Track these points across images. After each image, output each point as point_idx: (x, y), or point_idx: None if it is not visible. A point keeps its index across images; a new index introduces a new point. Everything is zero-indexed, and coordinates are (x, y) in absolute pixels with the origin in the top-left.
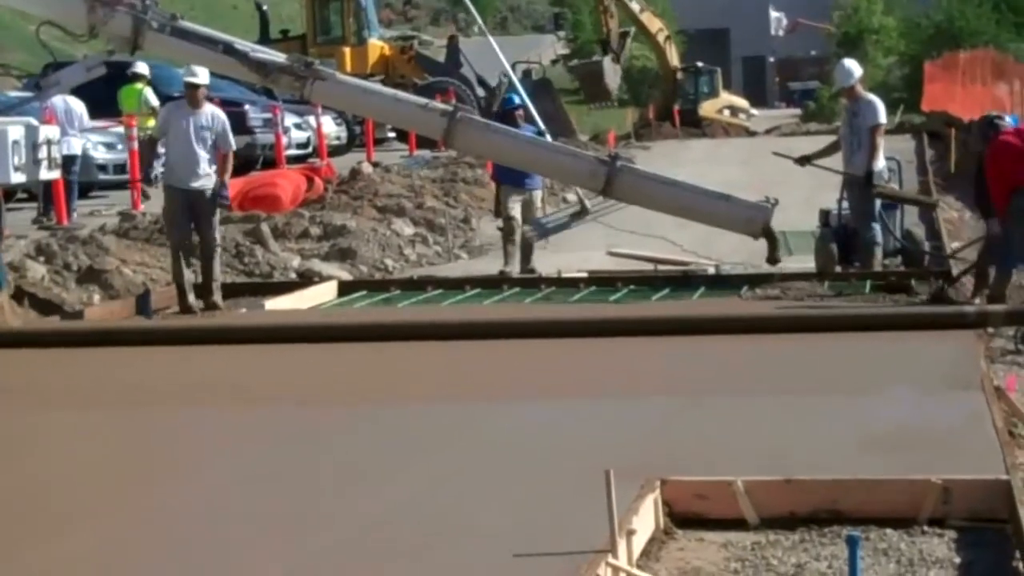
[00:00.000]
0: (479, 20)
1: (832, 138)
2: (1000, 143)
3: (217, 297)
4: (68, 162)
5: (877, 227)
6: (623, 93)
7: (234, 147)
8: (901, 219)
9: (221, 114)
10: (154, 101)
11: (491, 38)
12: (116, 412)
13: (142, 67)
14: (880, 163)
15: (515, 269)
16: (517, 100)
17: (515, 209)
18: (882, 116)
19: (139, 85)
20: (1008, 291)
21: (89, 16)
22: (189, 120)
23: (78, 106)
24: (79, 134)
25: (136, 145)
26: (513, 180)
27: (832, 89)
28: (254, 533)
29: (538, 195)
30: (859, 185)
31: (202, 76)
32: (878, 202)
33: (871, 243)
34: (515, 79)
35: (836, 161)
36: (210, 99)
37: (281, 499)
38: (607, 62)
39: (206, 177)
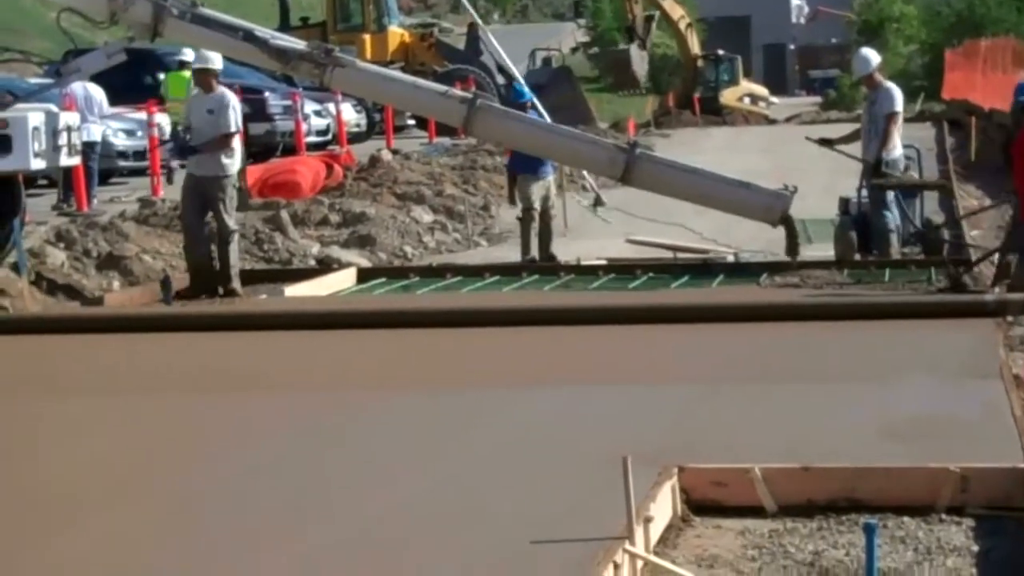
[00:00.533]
0: (470, 9)
1: (856, 125)
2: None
3: (236, 284)
4: (88, 148)
5: (889, 215)
6: (645, 80)
7: (233, 128)
8: (921, 207)
9: (228, 96)
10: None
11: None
12: (135, 399)
13: (190, 54)
14: (896, 151)
15: (535, 257)
16: (527, 94)
17: (535, 199)
18: (898, 104)
19: (186, 73)
20: None
21: (110, 3)
22: (199, 106)
23: (98, 93)
24: (99, 120)
25: (156, 132)
26: (531, 169)
27: (852, 78)
28: (274, 520)
29: (552, 182)
30: (870, 171)
31: (205, 61)
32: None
33: (884, 230)
34: (516, 74)
35: (858, 148)
36: (230, 86)
37: (299, 487)
38: (634, 49)
39: (214, 163)
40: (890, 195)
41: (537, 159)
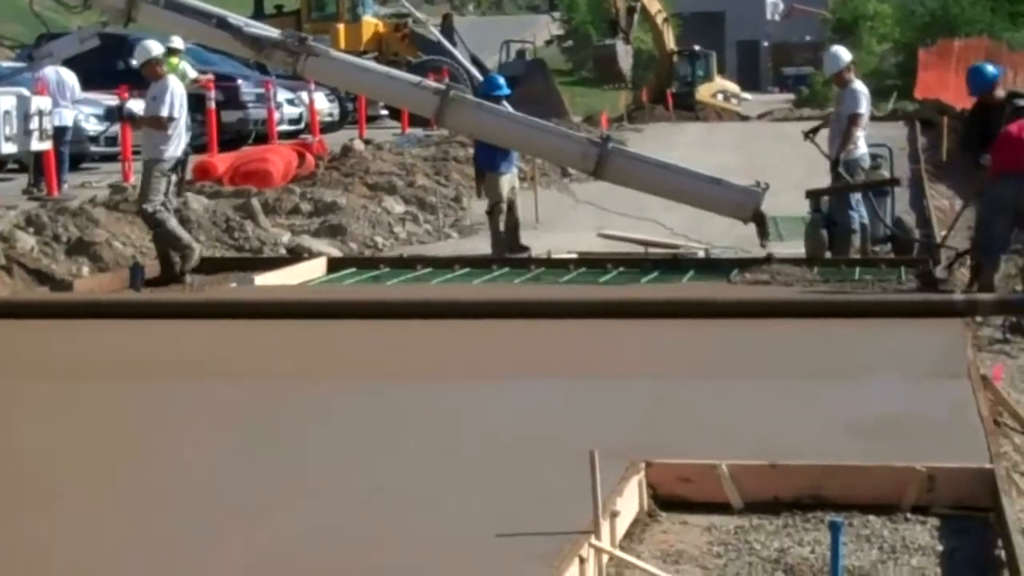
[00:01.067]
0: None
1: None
2: (1005, 129)
3: (181, 271)
4: (59, 133)
5: (854, 214)
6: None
7: (164, 112)
8: (892, 206)
9: (169, 83)
10: (192, 73)
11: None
12: (103, 385)
13: (178, 41)
14: (858, 151)
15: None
16: (503, 85)
17: (503, 194)
18: (862, 107)
19: (175, 59)
20: (997, 281)
21: None
22: (148, 94)
23: (70, 77)
24: (71, 105)
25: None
26: (495, 166)
27: (823, 75)
28: (235, 510)
29: (515, 176)
30: (830, 168)
31: (146, 52)
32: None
33: (847, 229)
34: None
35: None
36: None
37: (265, 476)
38: (620, 44)
39: (149, 147)
40: (856, 194)
41: (501, 155)
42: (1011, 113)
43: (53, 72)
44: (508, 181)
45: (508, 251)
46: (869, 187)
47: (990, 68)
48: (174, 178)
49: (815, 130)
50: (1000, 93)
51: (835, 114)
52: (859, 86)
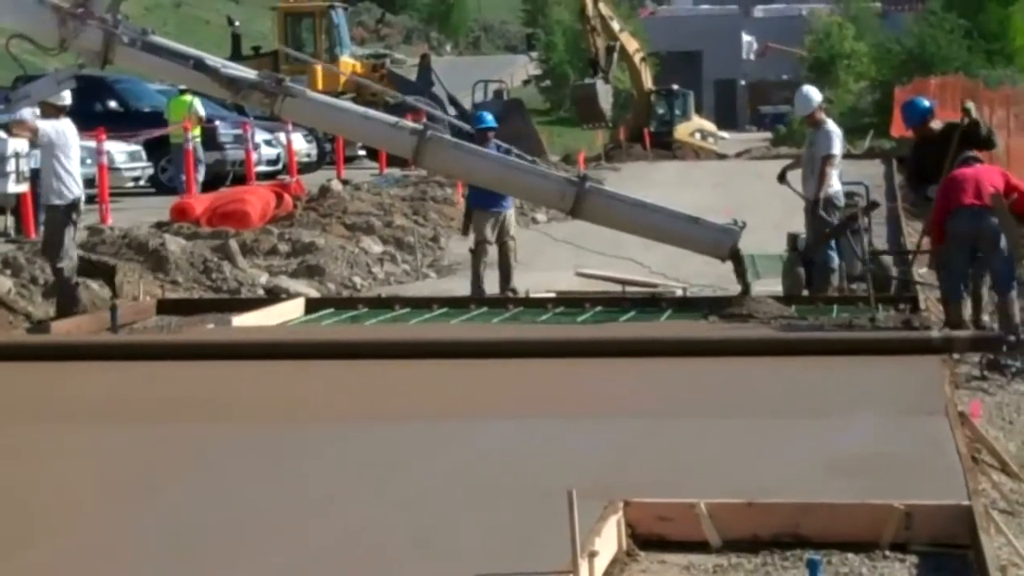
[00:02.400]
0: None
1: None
2: (951, 175)
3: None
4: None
5: (833, 253)
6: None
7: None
8: (869, 243)
9: (47, 130)
10: (202, 111)
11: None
12: (80, 427)
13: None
14: (832, 189)
15: (485, 291)
16: (490, 120)
17: (488, 232)
18: (835, 147)
19: (187, 97)
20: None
21: (60, 29)
22: None
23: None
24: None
25: (106, 160)
26: (485, 203)
27: (795, 116)
28: (212, 552)
29: (511, 216)
30: (809, 210)
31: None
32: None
33: (826, 268)
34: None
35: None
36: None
37: (244, 516)
38: (600, 83)
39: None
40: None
41: (494, 193)
42: (958, 145)
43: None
44: (497, 220)
45: (501, 290)
46: (854, 219)
47: (924, 101)
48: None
49: (783, 173)
50: (936, 125)
51: (808, 155)
52: (831, 126)
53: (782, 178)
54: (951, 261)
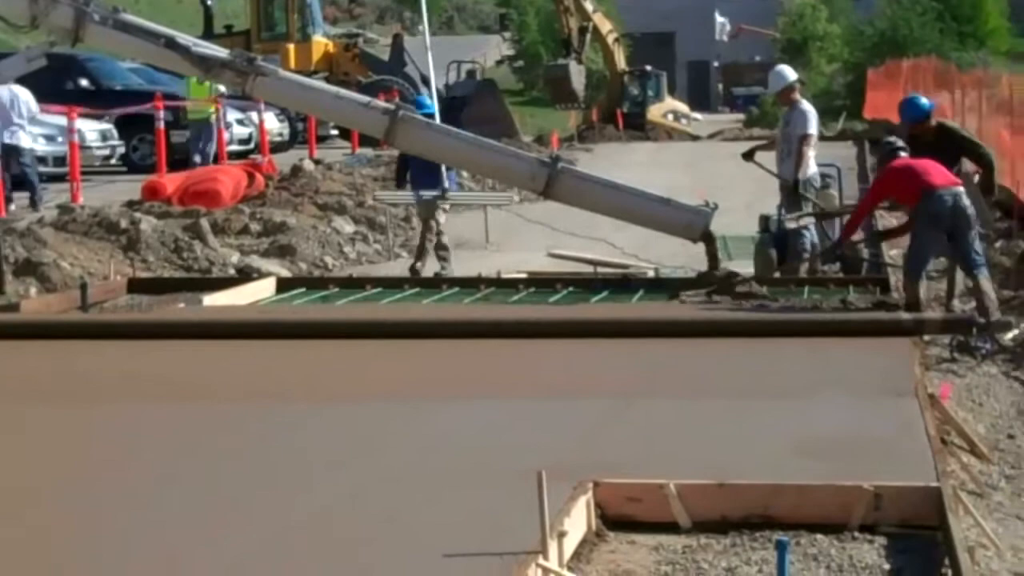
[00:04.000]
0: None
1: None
2: (898, 162)
3: None
4: (14, 152)
5: (807, 234)
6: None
7: None
8: (841, 226)
9: None
10: (222, 87)
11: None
12: (49, 406)
13: None
14: (810, 170)
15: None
16: (429, 105)
17: (425, 213)
18: (812, 127)
19: None
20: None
21: (31, 7)
22: None
23: (25, 95)
24: (26, 124)
25: (76, 138)
26: (421, 186)
27: (768, 93)
28: (184, 529)
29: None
30: (788, 192)
31: None
32: (809, 209)
33: (801, 250)
34: (433, 87)
35: (773, 160)
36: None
37: (212, 496)
38: (572, 64)
39: None
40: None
41: (428, 177)
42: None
43: (7, 91)
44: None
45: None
46: (840, 215)
47: (924, 101)
48: None
49: (752, 151)
50: (932, 123)
51: (784, 134)
52: (806, 106)
53: (749, 156)
54: (925, 243)
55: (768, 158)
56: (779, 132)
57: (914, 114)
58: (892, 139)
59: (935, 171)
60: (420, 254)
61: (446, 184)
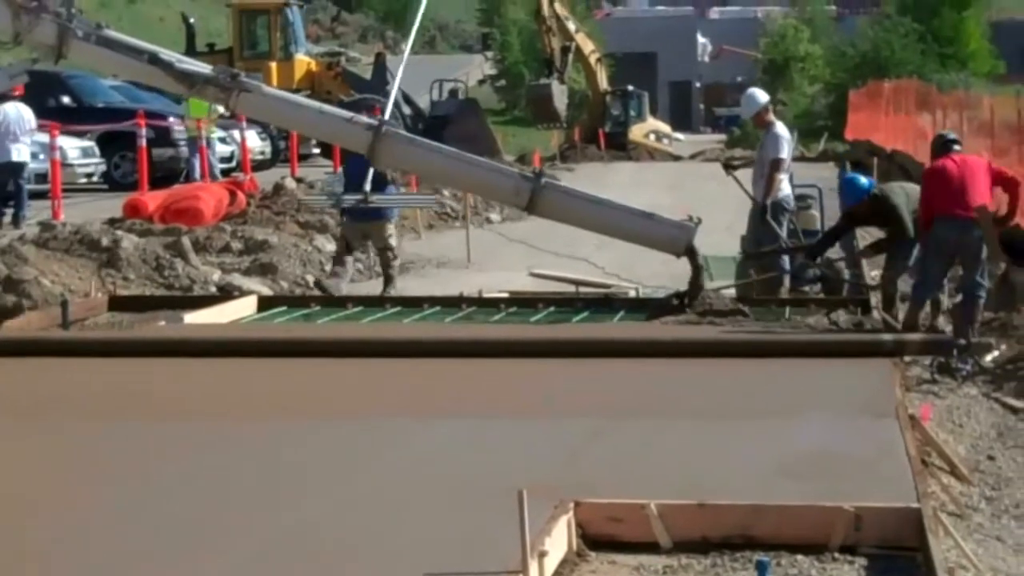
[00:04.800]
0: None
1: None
2: (943, 165)
3: None
4: (19, 169)
5: (785, 257)
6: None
7: None
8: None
9: None
10: (222, 108)
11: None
12: (29, 423)
13: None
14: (781, 194)
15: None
16: None
17: (353, 240)
18: (783, 151)
19: None
20: (920, 319)
21: (14, 23)
22: None
23: (28, 112)
24: (28, 141)
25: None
26: (352, 214)
27: (743, 118)
28: (159, 548)
29: (385, 227)
30: (758, 213)
31: None
32: (784, 230)
33: (776, 272)
34: (389, 102)
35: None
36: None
37: (190, 514)
38: (555, 84)
39: None
40: (783, 235)
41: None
42: (940, 148)
43: (13, 107)
44: (364, 232)
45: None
46: (800, 250)
47: (863, 180)
48: None
49: (735, 167)
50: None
51: (759, 157)
52: (780, 129)
53: (730, 167)
54: (930, 266)
55: (748, 177)
56: (757, 154)
57: (853, 196)
58: (946, 132)
59: (956, 192)
60: (338, 270)
61: (386, 209)
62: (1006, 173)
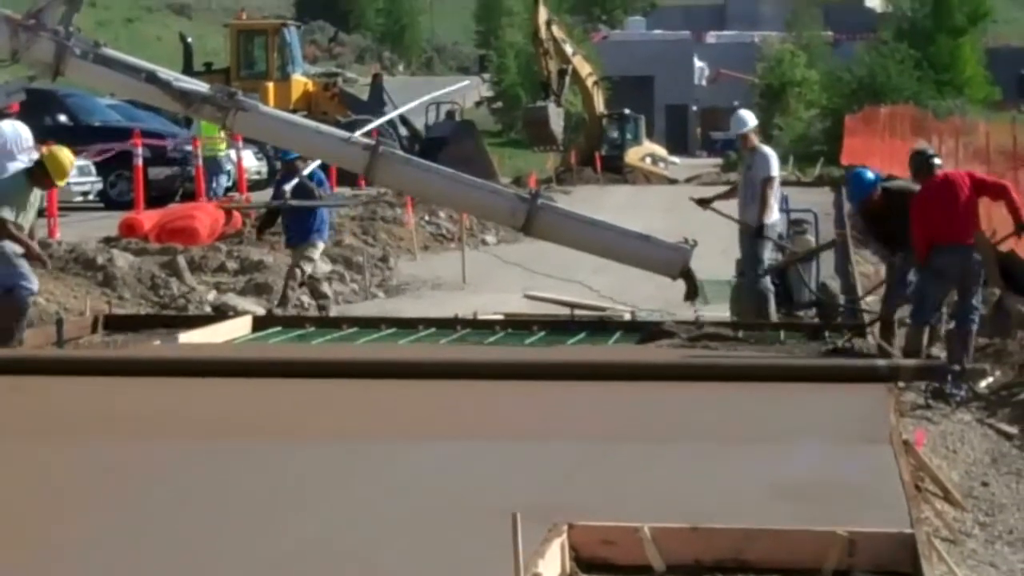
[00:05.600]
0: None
1: (733, 181)
2: (931, 188)
3: None
4: None
5: (767, 280)
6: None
7: None
8: (817, 271)
9: None
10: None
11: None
12: (23, 442)
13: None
14: (773, 216)
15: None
16: (293, 153)
17: (302, 262)
18: (774, 169)
19: None
20: (923, 344)
21: (11, 41)
22: None
23: (25, 130)
24: (27, 159)
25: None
26: (294, 239)
27: (730, 134)
28: (153, 569)
29: (314, 251)
30: (751, 235)
31: None
32: (769, 252)
33: (762, 293)
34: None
35: (734, 207)
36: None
37: (179, 536)
38: (551, 107)
39: None
40: (766, 257)
41: (299, 223)
42: (922, 167)
43: (9, 125)
44: (302, 253)
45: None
46: (817, 252)
47: (869, 174)
48: None
49: (708, 200)
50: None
51: (746, 179)
52: (767, 149)
53: (705, 203)
54: (930, 293)
55: (729, 205)
56: (741, 177)
57: (859, 191)
58: (923, 147)
59: (948, 219)
60: (283, 302)
61: (319, 233)
62: (988, 182)
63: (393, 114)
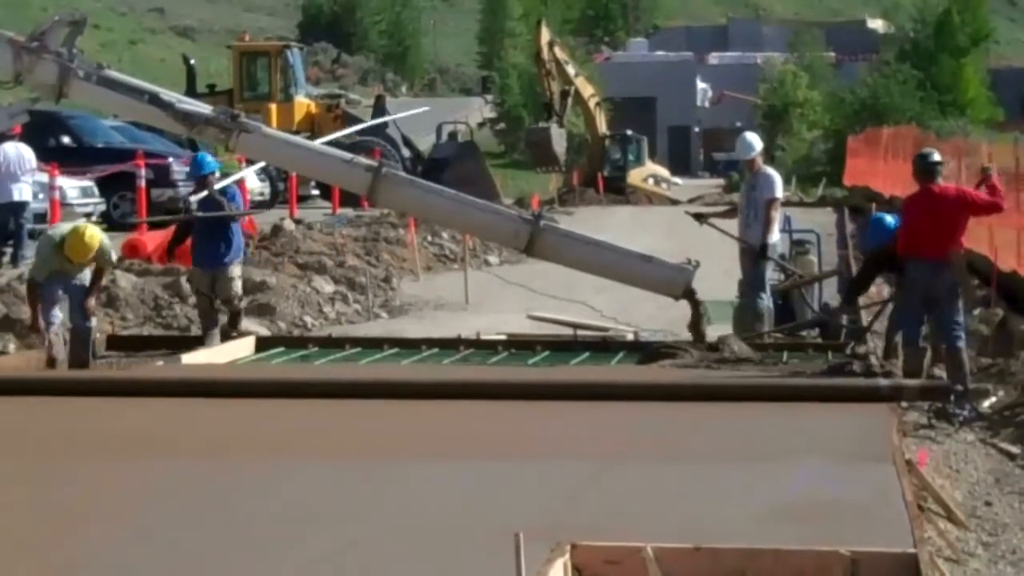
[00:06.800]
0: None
1: (730, 197)
2: (921, 198)
3: None
4: (21, 209)
5: (765, 296)
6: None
7: None
8: (820, 292)
9: None
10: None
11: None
12: (25, 462)
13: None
14: (775, 236)
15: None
16: (211, 163)
17: (203, 286)
18: (778, 191)
19: None
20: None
21: (15, 63)
22: None
23: (28, 152)
24: (30, 181)
25: (58, 195)
26: (198, 261)
27: (736, 157)
28: None
29: (227, 272)
30: (752, 255)
31: None
32: (770, 272)
33: (760, 312)
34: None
35: (733, 227)
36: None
37: (187, 555)
38: (554, 128)
39: None
40: (767, 277)
41: (210, 244)
42: (921, 170)
43: (12, 147)
44: (212, 278)
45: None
46: (820, 279)
47: (888, 219)
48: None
49: (706, 216)
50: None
51: (749, 199)
52: (771, 170)
53: (701, 217)
54: (905, 307)
55: (730, 225)
56: (742, 197)
57: (882, 238)
58: (927, 151)
59: (929, 234)
60: (208, 327)
61: (232, 252)
62: (978, 203)
63: (354, 128)
